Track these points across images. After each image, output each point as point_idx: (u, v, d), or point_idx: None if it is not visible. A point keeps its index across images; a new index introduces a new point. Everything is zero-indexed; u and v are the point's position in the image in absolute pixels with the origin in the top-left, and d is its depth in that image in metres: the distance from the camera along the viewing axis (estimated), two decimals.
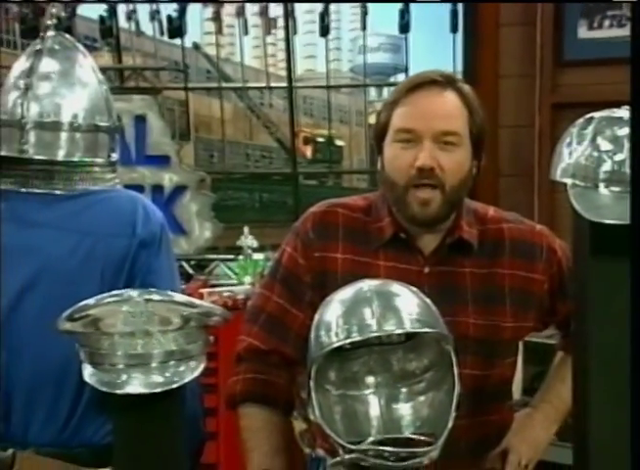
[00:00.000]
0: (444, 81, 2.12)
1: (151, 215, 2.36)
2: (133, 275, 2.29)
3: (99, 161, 2.38)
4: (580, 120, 1.70)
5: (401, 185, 2.09)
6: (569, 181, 1.66)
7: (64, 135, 2.35)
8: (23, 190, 2.32)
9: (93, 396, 2.23)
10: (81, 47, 2.47)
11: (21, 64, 2.39)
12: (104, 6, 4.93)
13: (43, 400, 2.28)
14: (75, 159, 2.35)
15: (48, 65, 2.38)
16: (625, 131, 1.64)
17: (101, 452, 2.25)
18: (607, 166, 1.63)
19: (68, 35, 2.47)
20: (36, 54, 2.39)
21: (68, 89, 2.37)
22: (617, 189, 1.62)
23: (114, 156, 2.43)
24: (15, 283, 2.28)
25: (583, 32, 4.54)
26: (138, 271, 2.29)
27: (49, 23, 2.46)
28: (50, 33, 2.42)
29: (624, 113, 1.68)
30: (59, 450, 2.25)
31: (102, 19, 4.99)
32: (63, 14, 2.57)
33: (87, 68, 2.43)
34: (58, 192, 2.34)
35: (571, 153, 1.67)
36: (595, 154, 1.64)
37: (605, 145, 1.64)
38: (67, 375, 2.25)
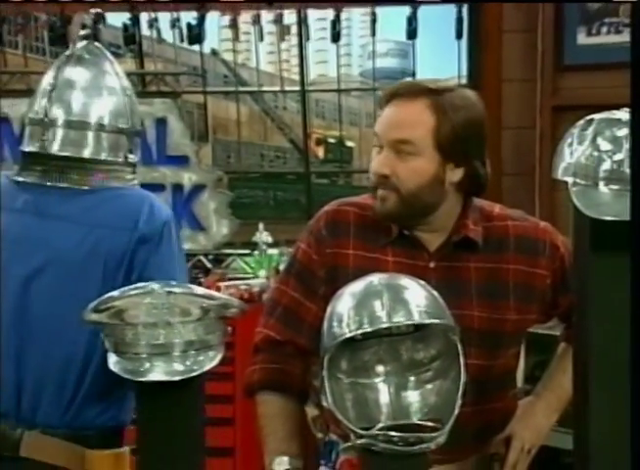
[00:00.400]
0: (418, 91, 2.10)
1: (155, 212, 2.38)
2: (131, 269, 2.32)
3: (118, 160, 2.42)
4: (581, 122, 1.69)
5: (373, 185, 2.13)
6: (570, 180, 1.65)
7: (89, 135, 2.39)
8: (48, 183, 2.37)
9: (96, 381, 2.28)
10: (109, 55, 2.51)
11: (52, 70, 2.43)
12: (127, 14, 4.94)
13: (50, 384, 2.32)
14: (101, 157, 2.39)
15: (76, 71, 2.42)
16: (624, 132, 1.63)
17: (105, 435, 2.30)
18: (606, 166, 1.62)
19: (97, 44, 2.50)
20: (67, 61, 2.43)
21: (95, 93, 2.41)
22: (616, 187, 1.61)
23: (132, 156, 2.46)
24: (22, 272, 2.33)
25: (582, 38, 4.55)
26: (136, 265, 2.32)
27: (82, 33, 2.48)
28: (81, 42, 2.46)
29: (623, 114, 1.67)
30: (65, 431, 2.30)
31: (125, 27, 4.99)
32: (100, 25, 2.59)
33: (113, 74, 2.47)
34: (77, 187, 2.38)
35: (573, 152, 1.66)
36: (595, 153, 1.63)
37: (604, 145, 1.63)
38: (71, 361, 2.30)
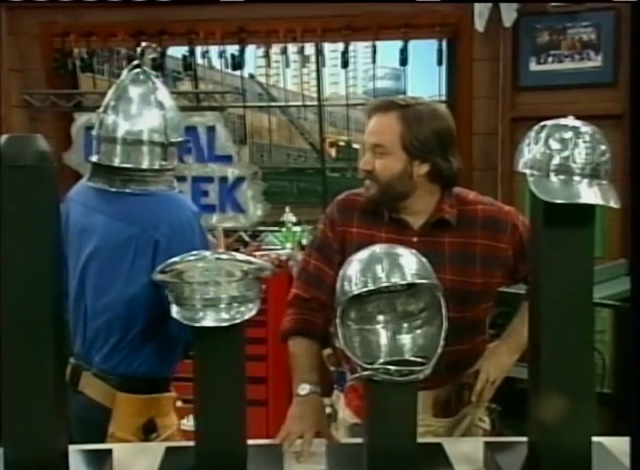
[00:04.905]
0: (387, 106, 2.12)
1: (173, 217, 2.23)
2: (154, 261, 2.13)
3: (153, 167, 2.26)
4: (536, 127, 1.68)
5: (363, 178, 2.18)
6: (528, 171, 1.64)
7: (129, 148, 2.24)
8: (113, 189, 2.26)
9: (129, 341, 2.25)
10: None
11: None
12: (186, 48, 4.96)
13: (99, 338, 2.29)
14: (139, 166, 2.25)
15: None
16: (569, 135, 1.62)
17: (133, 383, 2.25)
18: (556, 160, 1.61)
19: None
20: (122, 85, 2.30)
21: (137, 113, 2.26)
22: (563, 177, 1.61)
23: (164, 163, 2.26)
24: (84, 254, 2.30)
25: (533, 66, 4.53)
26: (156, 260, 2.13)
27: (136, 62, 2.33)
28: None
29: (569, 121, 1.66)
30: (104, 375, 2.26)
31: (184, 57, 5.01)
32: (155, 54, 2.45)
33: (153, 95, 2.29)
34: (121, 190, 2.26)
35: (530, 151, 1.65)
36: (547, 151, 1.62)
37: (554, 145, 1.62)
38: (111, 323, 2.26)
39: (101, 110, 2.29)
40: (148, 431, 2.23)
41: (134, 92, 2.28)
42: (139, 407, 2.24)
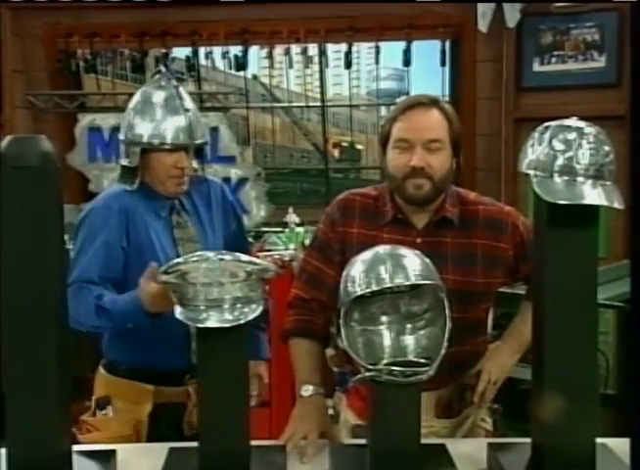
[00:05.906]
0: (429, 102, 2.10)
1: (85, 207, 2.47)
2: None
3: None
4: (540, 128, 1.68)
5: (399, 178, 2.09)
6: (532, 172, 1.64)
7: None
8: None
9: None
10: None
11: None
12: (189, 49, 4.97)
13: None
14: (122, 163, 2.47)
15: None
16: (573, 136, 1.62)
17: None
18: (559, 161, 1.61)
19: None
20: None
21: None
22: (566, 178, 1.61)
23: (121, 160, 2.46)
24: None
25: (536, 67, 4.53)
26: None
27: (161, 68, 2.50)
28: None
29: (572, 122, 1.66)
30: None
31: (188, 58, 5.01)
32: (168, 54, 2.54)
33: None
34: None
35: (534, 151, 1.65)
36: (551, 152, 1.62)
37: (558, 146, 1.62)
38: None
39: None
40: (99, 406, 2.42)
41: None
42: (97, 382, 2.49)
